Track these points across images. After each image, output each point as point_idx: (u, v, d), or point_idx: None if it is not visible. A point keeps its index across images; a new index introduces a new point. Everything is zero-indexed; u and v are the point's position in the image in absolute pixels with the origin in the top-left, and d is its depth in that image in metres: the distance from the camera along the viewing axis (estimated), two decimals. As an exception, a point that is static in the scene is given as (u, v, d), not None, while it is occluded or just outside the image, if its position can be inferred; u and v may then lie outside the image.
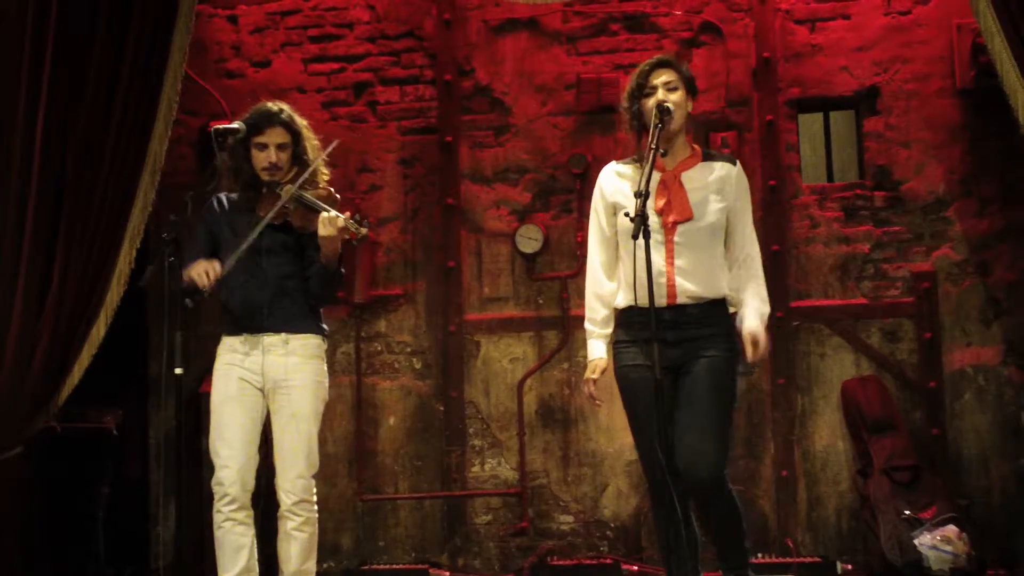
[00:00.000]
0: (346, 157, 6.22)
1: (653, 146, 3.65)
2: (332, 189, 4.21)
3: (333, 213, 4.00)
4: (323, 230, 3.98)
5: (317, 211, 4.05)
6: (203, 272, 4.01)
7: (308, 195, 4.10)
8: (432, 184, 6.37)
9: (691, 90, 3.88)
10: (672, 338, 3.76)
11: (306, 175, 4.12)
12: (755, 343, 3.72)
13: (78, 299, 5.11)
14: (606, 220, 3.91)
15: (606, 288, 3.89)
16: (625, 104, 3.90)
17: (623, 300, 3.83)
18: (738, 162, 3.94)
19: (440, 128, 6.37)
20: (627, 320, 3.78)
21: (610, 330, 3.93)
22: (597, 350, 3.94)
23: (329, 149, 4.25)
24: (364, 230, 4.00)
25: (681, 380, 3.79)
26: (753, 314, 3.77)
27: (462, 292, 6.29)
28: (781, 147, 6.15)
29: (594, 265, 3.96)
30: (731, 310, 3.87)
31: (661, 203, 3.79)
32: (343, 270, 4.19)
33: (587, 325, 3.99)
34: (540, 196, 6.31)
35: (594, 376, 3.90)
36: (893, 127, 6.12)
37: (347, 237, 4.02)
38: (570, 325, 6.17)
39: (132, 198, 5.17)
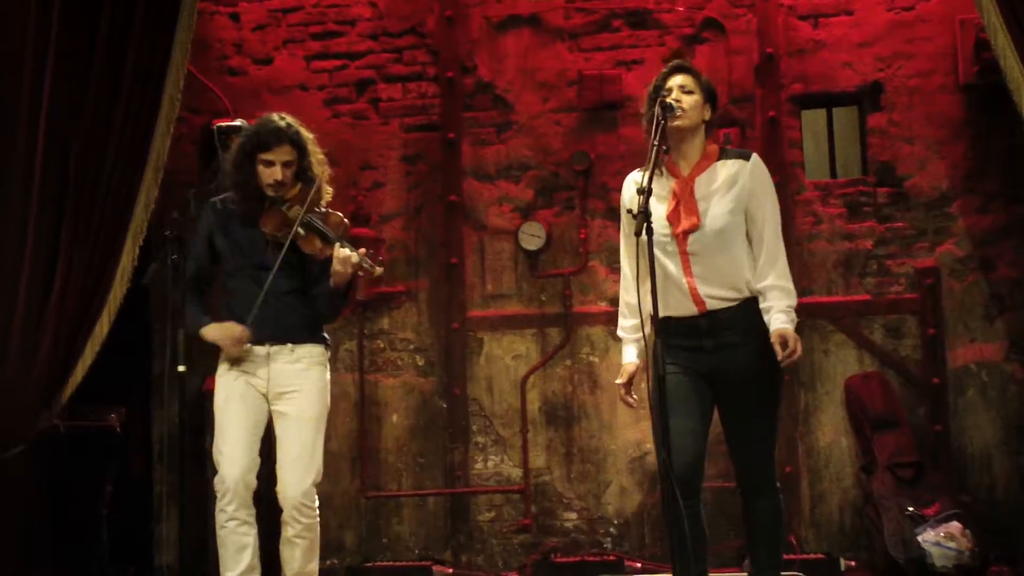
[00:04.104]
0: (348, 154, 6.23)
1: (655, 143, 3.64)
2: (341, 215, 4.19)
3: (347, 251, 3.99)
4: (338, 267, 3.99)
5: (327, 240, 4.04)
6: (237, 342, 4.06)
7: (317, 221, 4.08)
8: (435, 181, 6.36)
9: (709, 97, 3.86)
10: (710, 346, 3.77)
11: (311, 195, 4.10)
12: (784, 344, 3.67)
13: (81, 297, 5.12)
14: (628, 227, 3.89)
15: (634, 295, 3.87)
16: (643, 110, 3.90)
17: (651, 303, 3.77)
18: (754, 155, 3.85)
19: (442, 125, 6.36)
20: (664, 328, 3.72)
21: (640, 335, 3.91)
22: (626, 355, 3.93)
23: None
24: (379, 270, 4.02)
25: (723, 387, 3.78)
26: (780, 315, 3.72)
27: (465, 289, 6.29)
28: (784, 143, 6.14)
29: (624, 273, 3.95)
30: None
31: (670, 212, 3.77)
32: (350, 296, 4.21)
33: (618, 332, 3.99)
34: (543, 193, 6.31)
35: (621, 380, 3.90)
36: (896, 123, 6.11)
37: (360, 275, 4.03)
38: (573, 322, 6.17)
39: (135, 195, 5.18)
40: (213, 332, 4.10)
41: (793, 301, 3.78)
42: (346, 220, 4.20)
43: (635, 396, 3.90)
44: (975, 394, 5.95)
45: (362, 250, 4.02)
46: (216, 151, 4.20)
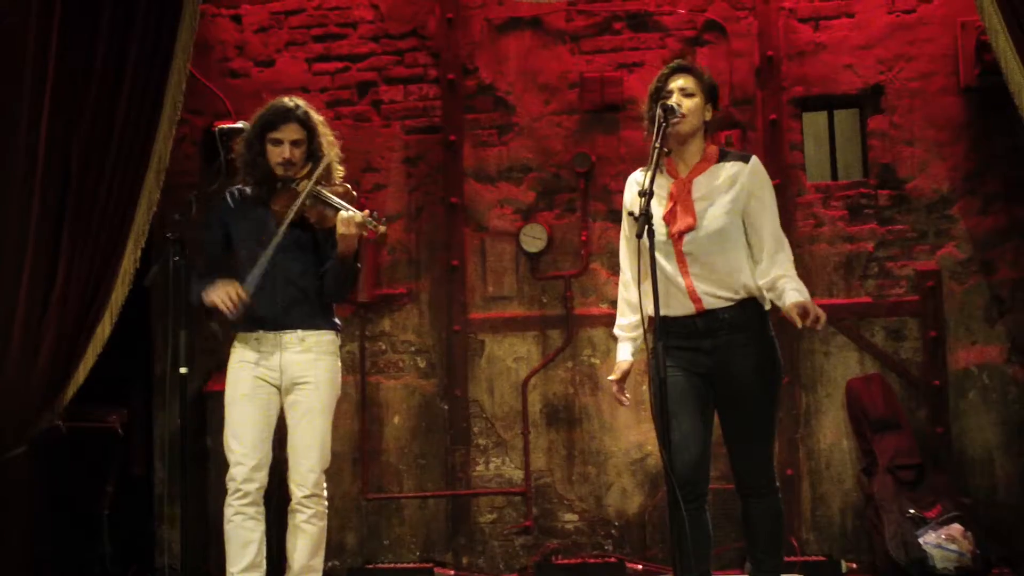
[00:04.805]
0: (350, 156, 6.20)
1: (656, 145, 3.66)
2: (349, 186, 4.22)
3: (352, 211, 4.01)
4: (342, 228, 4.00)
5: (334, 208, 4.06)
6: (227, 298, 4.02)
7: (325, 192, 4.11)
8: (436, 183, 6.37)
9: (711, 97, 3.86)
10: (708, 347, 3.78)
11: (320, 169, 4.12)
12: (804, 312, 3.61)
13: (83, 299, 5.12)
14: (630, 228, 3.91)
15: (634, 294, 3.88)
16: (645, 108, 3.91)
17: (651, 305, 3.77)
18: (754, 157, 3.87)
19: (444, 127, 6.37)
20: (663, 329, 3.71)
21: (636, 334, 3.93)
22: (621, 352, 3.96)
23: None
24: (383, 228, 4.03)
25: (722, 387, 3.79)
26: (793, 292, 3.68)
27: (466, 291, 6.29)
28: (785, 146, 6.15)
29: (624, 271, 3.98)
30: (766, 307, 3.84)
31: (666, 213, 3.78)
32: (359, 266, 4.22)
33: (615, 330, 4.01)
34: (544, 195, 6.31)
35: (615, 377, 3.91)
36: (897, 125, 6.11)
37: (365, 235, 4.04)
38: (574, 324, 6.17)
39: (136, 198, 5.18)
40: (209, 295, 4.06)
41: (803, 287, 3.74)
42: (353, 191, 4.21)
43: (628, 395, 3.93)
44: (976, 396, 5.95)
45: (365, 211, 4.04)
46: (218, 153, 4.22)
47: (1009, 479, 5.88)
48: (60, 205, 5.15)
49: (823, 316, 3.63)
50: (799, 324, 3.63)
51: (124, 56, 5.18)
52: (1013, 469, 5.88)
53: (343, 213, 4.02)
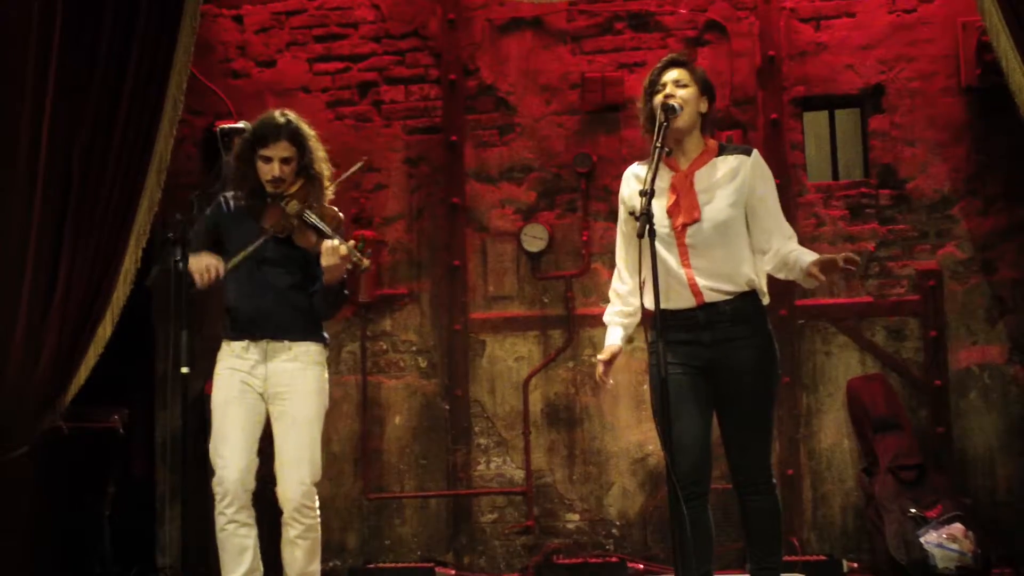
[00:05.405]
0: (351, 157, 6.20)
1: (657, 145, 3.66)
2: (337, 209, 4.20)
3: (336, 242, 3.97)
4: (325, 260, 3.97)
5: (322, 234, 4.05)
6: (204, 269, 4.00)
7: (313, 216, 4.08)
8: (437, 183, 6.37)
9: (705, 90, 3.87)
10: (707, 339, 3.77)
11: (315, 208, 4.10)
12: (829, 263, 3.59)
13: (84, 299, 5.13)
14: (626, 222, 3.91)
15: (627, 286, 3.89)
16: (640, 104, 3.91)
17: (652, 303, 3.75)
18: (754, 151, 3.86)
19: (445, 127, 6.37)
20: (661, 324, 3.70)
21: (627, 321, 3.93)
22: (611, 336, 3.93)
23: (351, 171, 4.25)
24: (366, 262, 4.01)
25: (720, 381, 3.79)
26: (810, 254, 3.68)
27: (467, 291, 6.30)
28: (786, 146, 6.15)
29: (618, 264, 3.98)
30: (764, 301, 3.85)
31: (670, 205, 3.78)
32: (347, 292, 4.19)
33: (605, 316, 4.00)
34: (545, 195, 6.32)
35: (603, 357, 3.89)
36: (898, 125, 6.11)
37: (348, 267, 4.02)
38: (575, 324, 6.17)
39: (138, 198, 5.19)
40: (191, 262, 4.02)
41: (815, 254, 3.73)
42: (340, 214, 4.19)
43: (611, 381, 3.90)
44: (977, 396, 5.95)
45: (351, 241, 4.02)
46: (219, 153, 4.21)
47: (1010, 479, 5.88)
48: (62, 205, 5.15)
49: (852, 255, 3.59)
50: (822, 278, 3.61)
51: (125, 56, 5.19)
52: (1014, 469, 5.88)
53: (327, 243, 3.98)
